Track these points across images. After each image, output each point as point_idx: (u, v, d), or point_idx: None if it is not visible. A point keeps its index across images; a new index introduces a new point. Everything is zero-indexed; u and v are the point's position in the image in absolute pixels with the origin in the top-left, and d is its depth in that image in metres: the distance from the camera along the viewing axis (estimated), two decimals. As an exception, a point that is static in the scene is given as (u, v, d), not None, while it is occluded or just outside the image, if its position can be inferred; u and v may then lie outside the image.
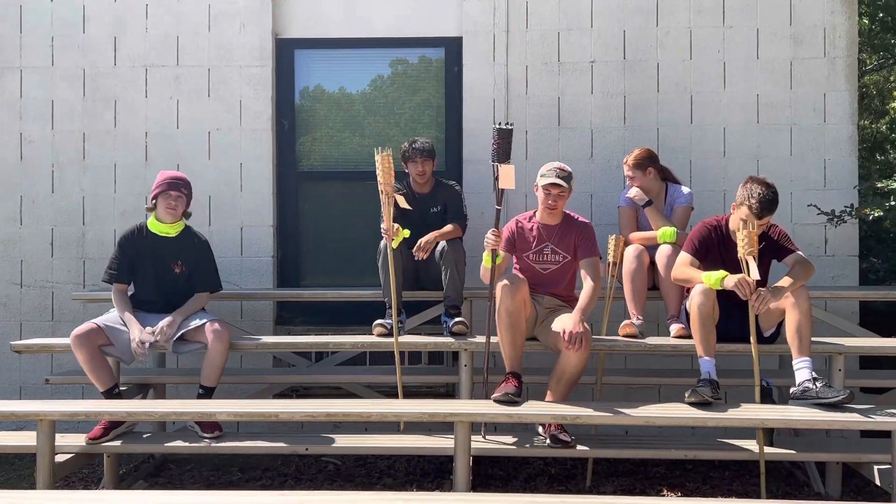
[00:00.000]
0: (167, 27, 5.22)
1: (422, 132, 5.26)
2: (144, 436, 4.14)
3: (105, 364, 4.04)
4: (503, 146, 3.90)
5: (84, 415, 3.84)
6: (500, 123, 3.92)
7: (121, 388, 4.30)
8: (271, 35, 5.22)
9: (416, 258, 4.37)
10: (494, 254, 3.89)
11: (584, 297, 3.92)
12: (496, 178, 3.91)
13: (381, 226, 4.24)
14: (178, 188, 4.21)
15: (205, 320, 4.09)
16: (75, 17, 5.23)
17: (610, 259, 4.23)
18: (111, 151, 5.23)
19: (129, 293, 4.25)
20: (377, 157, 4.03)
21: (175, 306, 4.17)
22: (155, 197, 4.20)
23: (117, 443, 3.93)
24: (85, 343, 3.96)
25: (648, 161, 4.56)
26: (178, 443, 3.95)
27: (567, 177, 4.02)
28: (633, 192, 4.53)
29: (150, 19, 5.22)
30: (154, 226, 4.24)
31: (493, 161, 3.93)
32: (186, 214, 4.30)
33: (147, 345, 3.99)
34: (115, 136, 5.23)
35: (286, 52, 5.30)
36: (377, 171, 4.04)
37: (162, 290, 4.22)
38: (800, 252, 3.92)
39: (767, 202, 3.74)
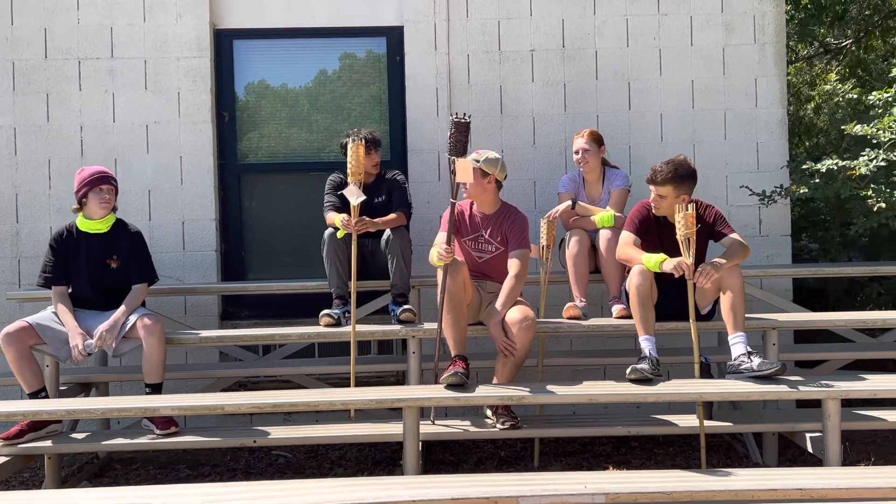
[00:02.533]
0: (100, 18, 5.09)
1: (365, 122, 5.26)
2: (81, 435, 4.03)
3: (34, 365, 3.93)
4: (460, 140, 3.87)
5: (22, 415, 3.74)
6: (456, 115, 3.88)
7: (60, 389, 4.20)
8: (209, 26, 5.13)
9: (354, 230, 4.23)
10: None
11: (504, 292, 3.91)
12: (452, 172, 3.88)
13: (339, 218, 4.21)
14: (108, 181, 4.10)
15: (136, 316, 3.99)
16: (2, 9, 5.05)
17: (543, 242, 4.27)
18: (44, 146, 5.08)
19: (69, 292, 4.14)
20: (350, 147, 4.01)
21: (115, 302, 4.07)
22: (84, 195, 4.07)
23: (48, 443, 3.82)
24: (14, 342, 3.85)
25: (601, 139, 4.70)
26: (120, 440, 3.88)
27: (476, 159, 3.98)
28: (560, 208, 4.55)
29: (81, 10, 5.08)
30: (84, 224, 4.12)
31: (449, 154, 3.92)
32: (114, 208, 4.18)
33: (91, 351, 3.89)
34: (48, 131, 5.08)
35: (225, 42, 5.23)
36: (349, 160, 4.02)
37: (99, 287, 4.11)
38: (736, 234, 4.05)
39: (658, 171, 3.92)
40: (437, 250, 3.88)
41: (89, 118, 5.09)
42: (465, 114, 3.94)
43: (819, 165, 4.70)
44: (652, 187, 3.96)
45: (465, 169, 3.86)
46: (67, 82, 5.09)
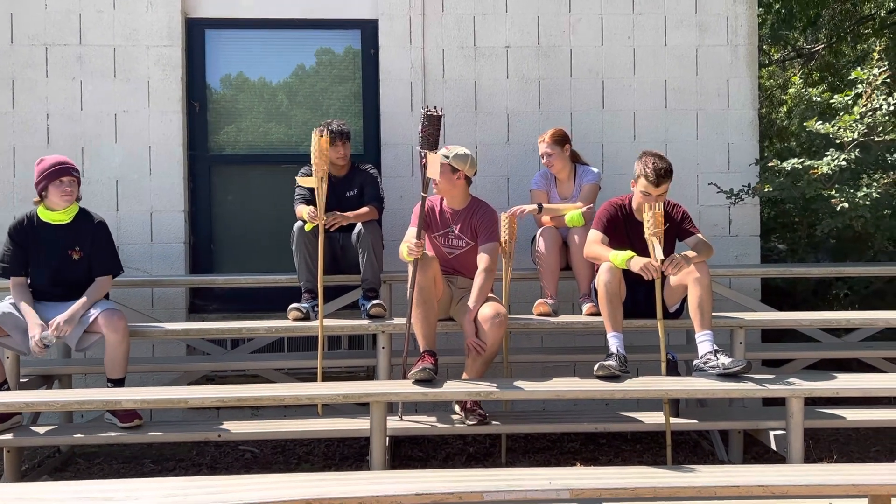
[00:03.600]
0: (69, 4, 5.00)
1: (338, 115, 5.22)
2: (42, 429, 3.96)
3: None
4: (432, 133, 3.80)
5: (-21, 408, 3.65)
6: (428, 108, 3.83)
7: (21, 381, 4.12)
8: (180, 14, 5.06)
9: (327, 228, 4.21)
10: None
11: (475, 286, 3.91)
12: (423, 166, 3.84)
13: (307, 211, 4.17)
14: (69, 172, 3.97)
15: (98, 311, 3.90)
16: (-34, -8, 4.95)
17: (504, 237, 4.25)
18: (9, 134, 4.97)
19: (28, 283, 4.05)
20: (314, 138, 3.93)
21: (76, 294, 3.97)
22: (44, 188, 3.95)
23: (8, 436, 3.74)
24: None
25: (565, 138, 4.67)
26: (82, 434, 3.81)
27: (446, 155, 3.96)
28: (527, 208, 4.52)
29: (49, -5, 4.99)
30: (45, 215, 4.00)
31: (420, 148, 3.87)
32: (77, 198, 4.06)
33: (51, 343, 3.80)
34: (13, 118, 4.98)
35: (197, 31, 5.16)
36: (312, 153, 3.95)
37: (61, 279, 4.01)
38: (700, 235, 4.07)
39: (662, 171, 3.90)
40: (408, 245, 3.86)
41: (56, 106, 5.00)
42: (436, 107, 3.91)
43: (784, 164, 4.75)
44: (653, 188, 3.89)
45: (434, 164, 3.83)
46: (34, 69, 4.98)
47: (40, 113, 4.99)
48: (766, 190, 4.82)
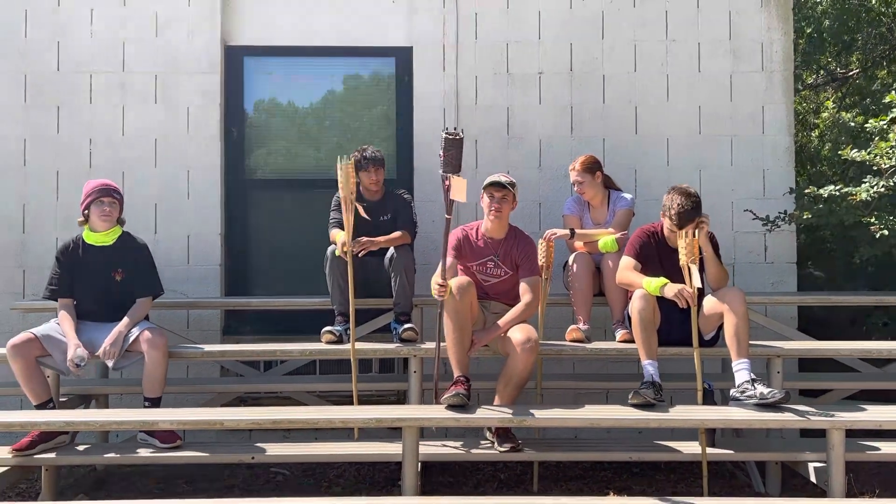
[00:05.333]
0: (113, 32, 5.15)
1: (372, 141, 5.27)
2: (80, 447, 4.01)
3: (40, 376, 3.93)
4: (454, 156, 3.79)
5: (20, 426, 3.73)
6: (447, 131, 3.81)
7: (60, 401, 4.19)
8: (220, 42, 5.18)
9: (357, 254, 4.26)
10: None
11: (514, 311, 3.94)
12: (446, 190, 3.81)
13: (338, 237, 4.20)
14: (110, 194, 4.11)
15: (139, 330, 4.00)
16: (16, 21, 5.12)
17: (542, 262, 4.25)
18: (54, 158, 5.11)
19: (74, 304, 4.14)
20: (339, 166, 3.98)
21: (119, 314, 4.07)
22: (87, 208, 4.09)
23: (51, 455, 3.80)
24: (20, 353, 3.85)
25: (596, 165, 4.67)
26: (119, 454, 3.85)
27: (511, 182, 4.05)
28: (559, 232, 4.51)
29: (94, 24, 5.14)
30: (90, 237, 4.14)
31: (442, 171, 3.84)
32: (121, 221, 4.20)
33: (83, 362, 3.88)
34: (57, 143, 5.12)
35: (235, 59, 5.28)
36: (338, 180, 4.00)
37: (104, 300, 4.12)
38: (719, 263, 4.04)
39: (686, 213, 3.88)
40: (434, 287, 3.83)
41: (99, 131, 5.13)
42: (456, 128, 3.90)
43: (822, 191, 4.69)
44: (676, 229, 3.89)
45: (459, 187, 3.78)
46: (78, 95, 5.13)
47: (84, 138, 5.13)
48: (804, 217, 4.76)
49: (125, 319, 4.02)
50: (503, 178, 4.06)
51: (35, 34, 5.13)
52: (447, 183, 3.82)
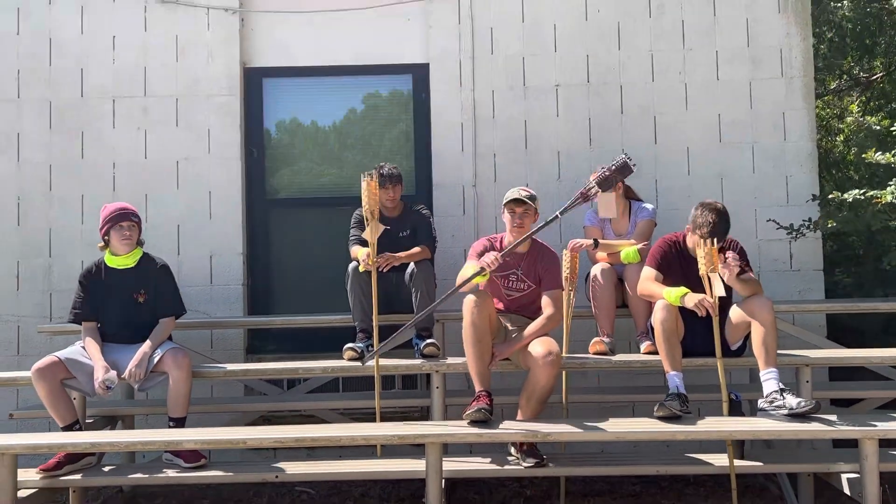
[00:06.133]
0: (135, 58, 5.24)
1: (391, 157, 5.30)
2: (106, 468, 4.04)
3: (65, 399, 3.97)
4: (614, 178, 3.86)
5: (47, 448, 3.77)
6: (627, 155, 3.87)
7: (87, 422, 4.23)
8: (239, 64, 5.25)
9: (380, 269, 4.27)
10: (482, 272, 3.80)
11: (536, 324, 3.92)
12: (588, 198, 3.90)
13: (362, 253, 4.23)
14: (128, 217, 4.16)
15: (163, 350, 4.03)
16: (41, 50, 5.24)
17: (566, 274, 4.23)
18: (78, 183, 5.20)
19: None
20: (363, 183, 4.02)
21: (142, 336, 4.11)
22: (106, 233, 4.15)
23: (77, 476, 3.82)
24: (45, 377, 3.90)
25: None
26: (144, 474, 3.87)
27: (530, 196, 4.04)
28: (583, 242, 4.48)
29: (116, 50, 5.24)
30: (111, 261, 4.19)
31: (594, 183, 3.88)
32: (140, 242, 4.25)
33: (114, 384, 3.92)
34: (81, 168, 5.21)
35: (254, 80, 5.34)
36: (363, 196, 4.03)
37: (127, 321, 4.16)
38: (752, 274, 3.97)
39: (719, 232, 3.83)
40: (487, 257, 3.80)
41: (122, 155, 5.21)
42: (629, 157, 3.89)
43: (845, 195, 4.60)
44: (711, 243, 3.82)
45: (608, 203, 3.94)
46: (102, 120, 5.22)
47: (107, 162, 5.21)
48: (829, 225, 4.67)
49: (148, 342, 4.06)
50: (523, 193, 4.05)
51: (59, 62, 5.24)
52: (588, 194, 3.86)
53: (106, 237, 4.16)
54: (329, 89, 5.46)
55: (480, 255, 4.05)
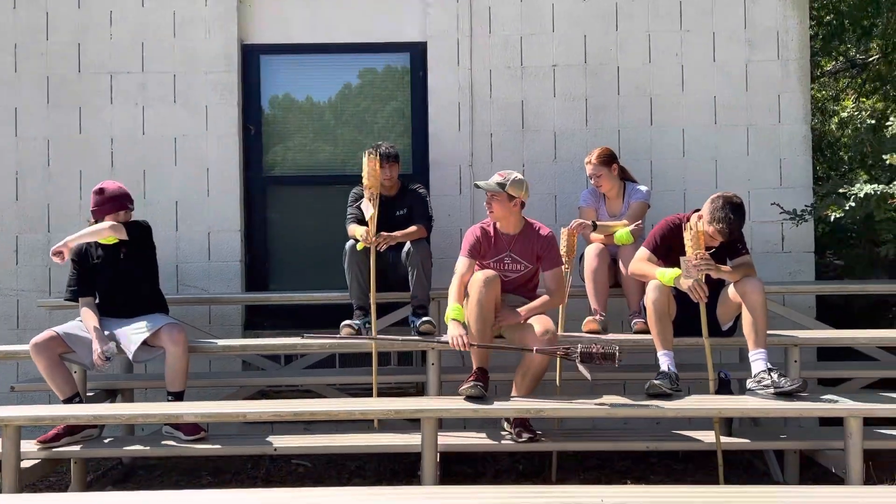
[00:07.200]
0: (132, 33, 5.23)
1: (387, 135, 5.33)
2: (107, 440, 4.11)
3: (65, 372, 4.02)
4: (595, 356, 3.67)
5: (50, 420, 3.83)
6: (619, 348, 3.69)
7: (87, 395, 4.29)
8: (237, 41, 5.25)
9: (377, 248, 4.31)
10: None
11: (537, 301, 3.99)
12: (567, 356, 3.75)
13: (360, 231, 4.27)
14: (125, 206, 4.22)
15: (160, 325, 4.07)
16: (38, 24, 5.21)
17: (563, 251, 4.28)
18: (76, 158, 5.21)
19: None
20: (364, 160, 4.04)
21: (138, 308, 4.18)
22: (101, 216, 4.18)
23: (76, 447, 3.90)
24: (43, 351, 3.96)
25: (612, 157, 4.69)
26: (144, 446, 3.94)
27: (502, 183, 3.98)
28: (580, 221, 4.52)
29: (114, 26, 5.22)
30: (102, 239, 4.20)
31: (577, 352, 3.69)
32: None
33: (113, 355, 3.97)
34: (79, 143, 5.21)
35: (252, 57, 5.34)
36: (363, 174, 4.06)
37: (122, 294, 4.21)
38: (748, 257, 4.03)
39: (735, 229, 3.87)
40: (456, 338, 3.78)
41: (120, 131, 5.22)
42: (620, 351, 3.70)
43: (855, 189, 4.52)
44: (717, 237, 3.87)
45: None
46: (99, 96, 5.22)
47: (105, 138, 5.22)
48: (837, 215, 4.60)
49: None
50: (493, 179, 4.02)
51: (56, 37, 5.22)
52: (568, 355, 3.72)
53: (98, 220, 4.19)
54: (327, 67, 5.45)
55: (473, 247, 4.06)
